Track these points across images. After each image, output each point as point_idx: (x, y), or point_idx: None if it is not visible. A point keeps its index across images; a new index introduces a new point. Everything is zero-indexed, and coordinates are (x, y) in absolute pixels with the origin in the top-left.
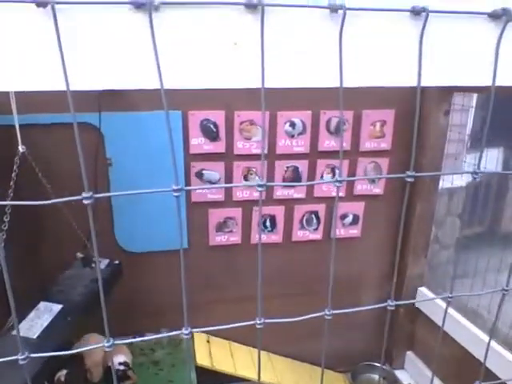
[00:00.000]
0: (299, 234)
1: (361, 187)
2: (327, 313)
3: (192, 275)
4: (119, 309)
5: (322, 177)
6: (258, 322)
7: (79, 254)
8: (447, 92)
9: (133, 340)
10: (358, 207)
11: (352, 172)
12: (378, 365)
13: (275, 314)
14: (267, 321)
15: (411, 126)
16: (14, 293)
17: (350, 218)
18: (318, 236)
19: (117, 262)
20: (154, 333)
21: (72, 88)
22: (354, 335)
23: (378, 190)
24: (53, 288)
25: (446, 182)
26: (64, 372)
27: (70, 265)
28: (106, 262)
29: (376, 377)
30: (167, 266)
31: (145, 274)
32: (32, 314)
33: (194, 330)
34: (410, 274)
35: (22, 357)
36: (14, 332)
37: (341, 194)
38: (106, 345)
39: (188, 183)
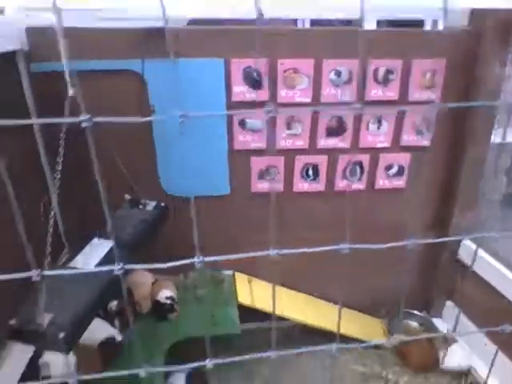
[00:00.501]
0: (341, 184)
1: (407, 138)
2: (344, 246)
3: (233, 220)
4: (163, 249)
5: (367, 127)
6: (272, 252)
7: (127, 196)
8: (504, 40)
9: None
10: (404, 158)
11: (399, 122)
12: (416, 312)
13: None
14: (282, 252)
15: (463, 76)
16: (69, 233)
17: (395, 169)
18: (361, 186)
19: (163, 204)
20: (196, 271)
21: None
22: (393, 282)
23: (425, 141)
24: (105, 226)
25: (496, 138)
26: (115, 303)
27: (119, 206)
28: (153, 204)
29: (413, 323)
30: (207, 210)
31: (186, 218)
32: (87, 249)
33: (207, 258)
34: (454, 226)
35: (118, 267)
36: (71, 264)
37: (386, 145)
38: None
39: (230, 132)
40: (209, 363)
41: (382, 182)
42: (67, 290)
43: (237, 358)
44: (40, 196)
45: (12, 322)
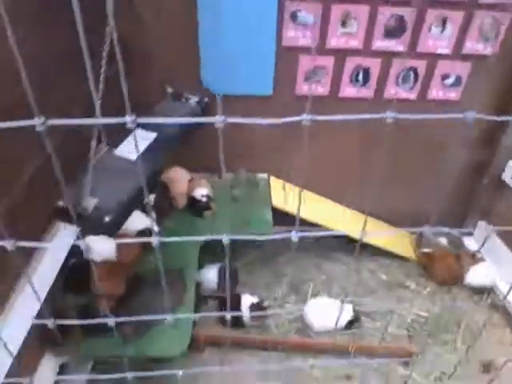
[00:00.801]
0: (392, 92)
1: (471, 45)
2: (390, 115)
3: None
4: (201, 148)
5: (429, 29)
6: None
7: (169, 89)
8: None
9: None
10: (464, 68)
11: (464, 27)
12: (447, 229)
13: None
14: (316, 117)
15: None
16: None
17: (451, 79)
18: (412, 95)
19: (206, 99)
20: (232, 172)
21: None
22: (427, 197)
23: (489, 50)
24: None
25: None
26: (152, 196)
27: (160, 97)
28: (195, 98)
29: (442, 239)
30: (246, 112)
31: (228, 114)
32: (130, 138)
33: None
34: (504, 145)
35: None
36: (115, 152)
37: (447, 51)
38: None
39: (280, 25)
40: (238, 263)
41: (435, 93)
42: (111, 178)
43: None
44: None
45: (60, 203)
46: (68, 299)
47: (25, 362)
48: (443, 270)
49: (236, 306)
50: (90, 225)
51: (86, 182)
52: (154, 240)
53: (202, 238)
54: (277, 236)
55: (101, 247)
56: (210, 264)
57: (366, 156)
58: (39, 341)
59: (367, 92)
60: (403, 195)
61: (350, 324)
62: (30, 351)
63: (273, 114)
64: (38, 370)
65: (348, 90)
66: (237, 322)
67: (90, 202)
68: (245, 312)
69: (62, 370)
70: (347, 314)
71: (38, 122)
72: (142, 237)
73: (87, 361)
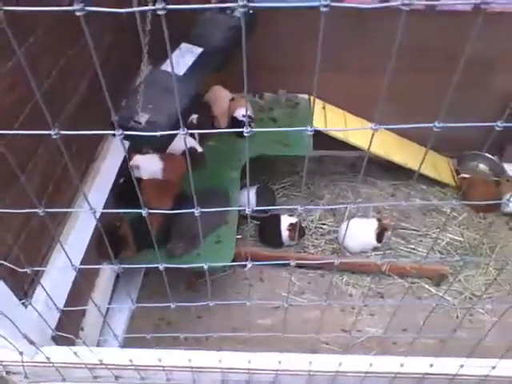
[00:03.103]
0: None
1: None
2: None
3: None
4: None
5: None
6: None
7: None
8: None
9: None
10: None
11: None
12: (487, 155)
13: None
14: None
15: None
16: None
17: None
18: (467, 7)
19: (251, 11)
20: (272, 93)
21: None
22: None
23: None
24: (192, 32)
25: None
26: (195, 116)
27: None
28: (240, 9)
29: (482, 166)
30: (292, 26)
31: (271, 31)
32: (176, 53)
33: None
34: None
35: None
36: (162, 67)
37: None
38: None
39: None
40: (276, 185)
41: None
42: (159, 94)
43: None
44: None
45: (115, 118)
46: (120, 215)
47: (86, 271)
48: (481, 195)
49: (275, 225)
50: (142, 139)
51: (139, 97)
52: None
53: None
54: None
55: (149, 165)
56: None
57: (413, 78)
58: (96, 253)
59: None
60: (445, 120)
61: (380, 237)
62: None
63: (312, 29)
64: (97, 278)
65: None
66: (276, 242)
67: (143, 117)
68: (283, 231)
69: (118, 280)
70: (373, 227)
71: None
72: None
73: (140, 270)
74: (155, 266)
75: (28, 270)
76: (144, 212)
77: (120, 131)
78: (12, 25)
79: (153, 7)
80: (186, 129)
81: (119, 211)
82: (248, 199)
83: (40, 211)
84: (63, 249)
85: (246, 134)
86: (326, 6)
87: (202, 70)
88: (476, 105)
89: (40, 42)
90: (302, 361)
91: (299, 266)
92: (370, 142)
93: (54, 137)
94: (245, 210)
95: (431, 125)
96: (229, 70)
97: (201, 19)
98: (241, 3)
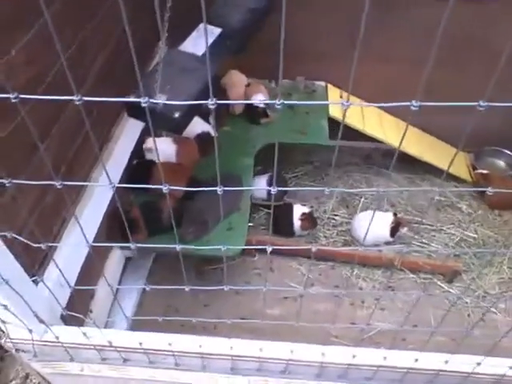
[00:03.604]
0: None
1: None
2: None
3: (337, 27)
4: (260, 51)
5: None
6: None
7: None
8: None
9: None
10: None
11: None
12: (505, 151)
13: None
14: None
15: None
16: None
17: None
18: None
19: None
20: (290, 79)
21: None
22: (487, 116)
23: None
24: (211, 11)
25: None
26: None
27: None
28: None
29: (500, 162)
30: (310, 13)
31: (290, 16)
32: (194, 34)
33: None
34: None
35: None
36: (180, 48)
37: None
38: None
39: None
40: (289, 174)
41: None
42: (178, 75)
43: None
44: None
45: (131, 97)
46: (130, 199)
47: (97, 252)
48: (498, 193)
49: (287, 214)
50: (159, 121)
51: (156, 78)
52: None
53: None
54: None
55: (162, 148)
56: (260, 174)
57: (432, 69)
58: (108, 236)
59: None
60: (461, 113)
61: (394, 231)
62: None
63: (340, 14)
64: (108, 260)
65: None
66: (287, 231)
67: (161, 98)
68: (295, 221)
69: (126, 264)
70: (388, 221)
71: None
72: (201, 140)
73: (149, 255)
74: (172, 246)
75: (42, 246)
76: (165, 188)
77: (146, 98)
78: None
79: None
80: (214, 99)
81: (138, 187)
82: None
83: (57, 184)
84: (79, 224)
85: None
86: None
87: (221, 51)
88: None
89: (57, 15)
90: (314, 352)
91: (310, 257)
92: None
93: (77, 103)
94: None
95: (475, 103)
96: (246, 53)
97: (220, 0)
98: None
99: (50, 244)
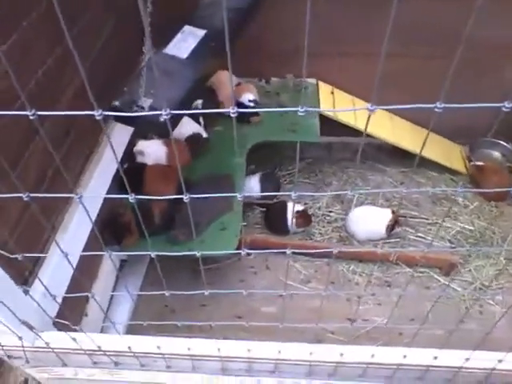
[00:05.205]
0: None
1: None
2: None
3: (326, 23)
4: (248, 50)
5: None
6: None
7: None
8: None
9: None
10: None
11: None
12: (501, 142)
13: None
14: None
15: None
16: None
17: None
18: None
19: None
20: (279, 78)
21: None
22: (483, 109)
23: None
24: (195, 13)
25: None
26: (200, 101)
27: None
28: None
29: (496, 153)
30: (296, 10)
31: (277, 14)
32: (178, 36)
33: None
34: None
35: None
36: (165, 51)
37: None
38: None
39: None
40: (282, 172)
41: None
42: (163, 78)
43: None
44: None
45: (115, 103)
46: (124, 201)
47: (89, 257)
48: (494, 183)
49: (281, 212)
50: (146, 125)
51: (141, 82)
52: None
53: None
54: None
55: (152, 150)
56: (252, 172)
57: (423, 64)
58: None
59: None
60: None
61: (390, 229)
62: (92, 250)
63: (329, 9)
64: (101, 265)
65: None
66: (282, 229)
67: (146, 102)
68: (290, 218)
69: (122, 266)
70: (385, 218)
71: None
72: (192, 142)
73: (144, 258)
74: (146, 253)
75: (19, 257)
76: (133, 200)
77: (100, 111)
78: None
79: None
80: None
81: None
82: (251, 186)
83: (24, 196)
84: (56, 243)
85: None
86: None
87: (206, 53)
88: (491, 92)
89: (34, 27)
90: (302, 351)
91: (305, 254)
92: (366, 126)
93: (31, 117)
94: (247, 197)
95: (433, 105)
96: (232, 53)
97: (204, 1)
98: None
99: (30, 254)
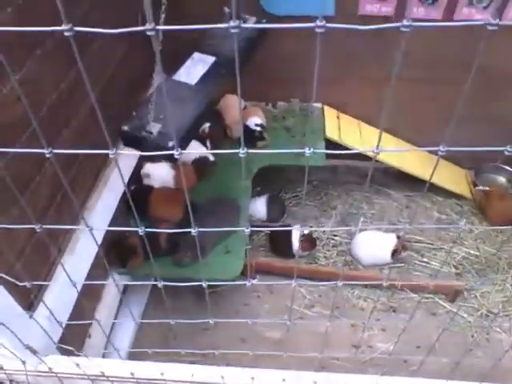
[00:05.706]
0: (464, 12)
1: None
2: None
3: (332, 49)
4: (255, 74)
5: None
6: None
7: (226, 9)
8: None
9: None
10: None
11: None
12: (506, 167)
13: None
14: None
15: None
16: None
17: None
18: (486, 16)
19: (264, 20)
20: (285, 102)
21: None
22: (485, 132)
23: None
24: (204, 41)
25: None
26: (207, 125)
27: (217, 19)
28: (253, 19)
29: (501, 178)
30: (307, 33)
31: (283, 41)
32: (188, 63)
33: None
34: None
35: None
36: (174, 77)
37: None
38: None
39: None
40: (287, 194)
41: None
42: (172, 104)
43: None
44: None
45: (125, 127)
46: (130, 223)
47: (94, 277)
48: (499, 208)
49: (286, 236)
50: (154, 149)
51: (151, 107)
52: None
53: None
54: None
55: (159, 173)
56: (258, 195)
57: (428, 89)
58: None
59: (436, 14)
60: (464, 132)
61: (395, 254)
62: (98, 271)
63: (333, 37)
64: (104, 288)
65: (415, 11)
66: (287, 252)
67: (154, 128)
68: (295, 242)
69: (126, 288)
70: (391, 244)
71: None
72: (198, 165)
73: (148, 279)
74: (154, 283)
75: (27, 285)
76: (140, 231)
77: (114, 150)
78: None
79: (142, 28)
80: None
81: (124, 229)
82: (257, 209)
83: (37, 227)
84: (63, 269)
85: (241, 155)
86: (320, 26)
87: (215, 80)
88: (498, 119)
89: (48, 54)
90: (306, 379)
91: (310, 279)
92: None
93: (48, 155)
94: (253, 220)
95: (436, 148)
96: (242, 77)
97: (213, 29)
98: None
99: (36, 282)
